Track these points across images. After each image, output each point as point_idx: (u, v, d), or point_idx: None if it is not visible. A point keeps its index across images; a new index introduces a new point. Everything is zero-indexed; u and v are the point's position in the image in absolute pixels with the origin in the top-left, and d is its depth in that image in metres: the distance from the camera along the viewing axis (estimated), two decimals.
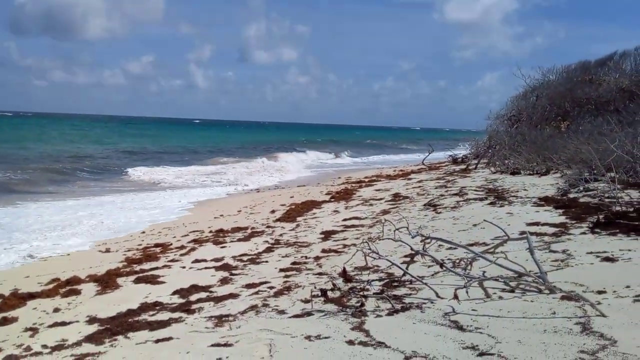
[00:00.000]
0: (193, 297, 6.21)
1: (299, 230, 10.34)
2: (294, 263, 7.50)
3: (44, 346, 4.96)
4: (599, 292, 4.39)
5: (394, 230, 7.53)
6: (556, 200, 9.39)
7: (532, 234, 6.74)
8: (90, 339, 4.99)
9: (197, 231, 11.30)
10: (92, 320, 5.71)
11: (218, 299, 5.98)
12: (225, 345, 4.21)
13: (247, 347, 4.08)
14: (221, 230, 10.99)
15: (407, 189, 15.32)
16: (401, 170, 24.61)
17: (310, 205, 13.71)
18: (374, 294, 5.16)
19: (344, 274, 5.95)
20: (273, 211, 13.38)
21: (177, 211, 14.89)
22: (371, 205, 12.77)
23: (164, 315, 5.55)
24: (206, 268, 7.82)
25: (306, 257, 7.81)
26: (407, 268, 5.74)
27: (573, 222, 7.44)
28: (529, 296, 4.54)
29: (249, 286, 6.41)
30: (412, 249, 5.95)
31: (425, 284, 5.13)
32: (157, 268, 8.09)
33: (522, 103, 24.94)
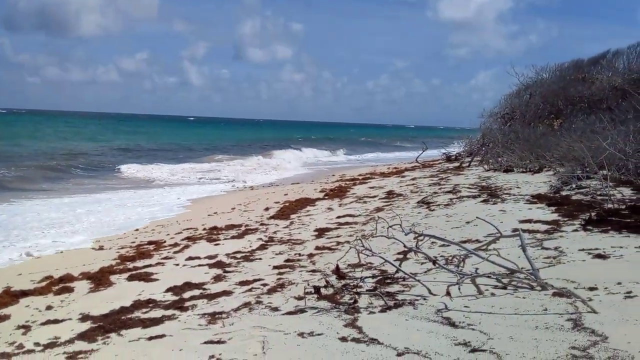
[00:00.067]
0: (186, 295, 6.20)
1: (292, 228, 10.34)
2: (287, 260, 7.50)
3: (37, 344, 4.94)
4: (591, 289, 4.42)
5: (387, 228, 7.55)
6: (549, 197, 9.44)
7: (524, 231, 6.78)
8: (82, 336, 4.98)
9: (191, 229, 11.28)
10: (84, 317, 5.70)
11: (211, 297, 5.98)
12: (219, 342, 4.21)
13: (240, 344, 4.08)
14: (215, 228, 10.98)
15: (400, 186, 15.35)
16: (395, 168, 24.64)
17: (304, 203, 13.72)
18: (367, 290, 5.17)
19: (337, 271, 5.96)
20: (267, 209, 13.37)
21: (176, 208, 14.90)
22: (365, 202, 12.79)
23: (157, 313, 5.54)
24: (200, 265, 7.81)
25: (300, 255, 7.82)
26: (400, 265, 5.75)
27: (565, 219, 7.48)
28: (521, 293, 4.56)
29: (242, 283, 6.41)
30: (405, 246, 5.97)
31: (418, 280, 5.14)
32: (150, 265, 8.07)
33: (516, 101, 25.04)
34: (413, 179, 17.01)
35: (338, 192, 15.43)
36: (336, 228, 9.77)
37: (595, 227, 6.71)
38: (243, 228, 10.82)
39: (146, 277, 7.31)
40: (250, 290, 6.03)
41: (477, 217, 7.52)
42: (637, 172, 9.59)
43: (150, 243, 9.99)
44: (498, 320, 3.95)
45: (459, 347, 3.54)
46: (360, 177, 20.34)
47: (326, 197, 14.63)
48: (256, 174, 26.21)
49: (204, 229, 11.03)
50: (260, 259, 7.89)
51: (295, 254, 7.88)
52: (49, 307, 6.32)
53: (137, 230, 11.67)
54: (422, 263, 6.14)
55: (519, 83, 25.83)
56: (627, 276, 4.62)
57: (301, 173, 27.80)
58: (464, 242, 6.72)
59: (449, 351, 3.48)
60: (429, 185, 14.41)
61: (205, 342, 4.24)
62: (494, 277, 4.87)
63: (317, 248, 8.12)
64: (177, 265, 8.05)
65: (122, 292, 6.68)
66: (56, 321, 5.71)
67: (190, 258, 8.31)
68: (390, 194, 13.57)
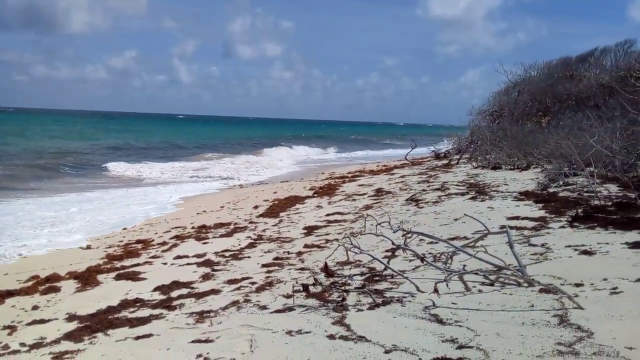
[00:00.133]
0: (174, 294, 6.17)
1: (281, 226, 10.33)
2: (276, 258, 7.48)
3: (22, 344, 4.90)
4: (577, 285, 4.45)
5: (376, 225, 7.56)
6: (536, 194, 9.49)
7: (512, 228, 6.83)
8: (69, 336, 4.94)
9: (180, 227, 11.22)
10: (71, 317, 5.65)
11: (199, 295, 5.95)
12: (206, 341, 4.19)
13: (228, 343, 4.07)
14: (204, 226, 10.93)
15: (389, 184, 15.37)
16: (384, 166, 24.68)
17: (293, 201, 13.70)
18: (355, 288, 5.17)
19: (325, 269, 5.95)
20: (256, 207, 13.34)
21: (170, 207, 14.82)
22: (354, 200, 12.79)
23: (144, 312, 5.51)
24: (188, 264, 7.77)
25: (289, 253, 7.81)
26: (388, 262, 5.77)
27: (552, 216, 7.53)
28: (508, 289, 4.58)
29: (230, 282, 6.39)
30: (393, 243, 5.98)
31: (406, 278, 5.15)
32: (138, 264, 8.02)
33: (504, 99, 25.16)
34: (402, 177, 17.04)
35: (327, 190, 15.43)
36: (325, 226, 9.76)
37: (582, 223, 6.76)
38: (232, 226, 10.78)
39: (134, 276, 7.27)
40: (238, 288, 6.01)
41: (465, 214, 7.53)
42: (624, 169, 9.67)
43: (138, 242, 9.93)
44: (485, 317, 3.96)
45: (446, 343, 3.55)
46: (350, 175, 20.35)
47: (315, 195, 14.62)
48: (247, 171, 26.15)
49: (193, 228, 10.98)
50: (249, 257, 7.87)
51: (284, 252, 7.87)
52: (35, 307, 6.26)
53: (125, 229, 11.59)
54: (411, 260, 6.15)
55: (507, 81, 25.99)
56: (613, 272, 4.66)
57: (291, 171, 27.76)
58: (452, 239, 6.73)
59: (436, 348, 3.49)
60: (418, 183, 14.44)
61: (193, 341, 4.22)
62: (482, 274, 4.89)
63: (306, 246, 8.11)
64: (165, 264, 8.00)
65: (110, 292, 6.63)
66: (42, 321, 5.66)
67: (179, 257, 8.27)
68: (379, 192, 13.59)
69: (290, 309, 4.83)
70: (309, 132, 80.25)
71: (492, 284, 4.80)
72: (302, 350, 3.74)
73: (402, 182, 15.45)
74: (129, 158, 31.13)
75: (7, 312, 6.15)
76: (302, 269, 6.65)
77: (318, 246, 8.02)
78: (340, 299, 4.86)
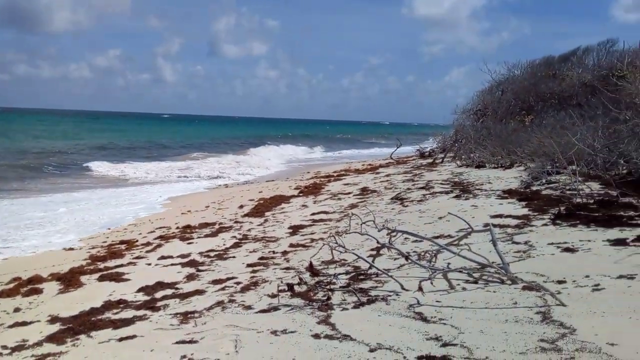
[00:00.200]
0: (158, 294, 6.13)
1: (267, 225, 10.30)
2: (261, 258, 7.46)
3: (4, 347, 4.83)
4: (559, 282, 4.49)
5: (361, 224, 7.57)
6: (519, 192, 9.57)
7: (495, 226, 6.88)
8: (51, 338, 4.88)
9: (164, 227, 11.15)
10: (53, 319, 5.59)
11: (184, 296, 5.91)
12: (191, 342, 4.17)
13: (213, 344, 4.05)
14: (188, 226, 10.87)
15: (375, 183, 15.41)
16: (370, 165, 24.73)
17: (278, 200, 13.68)
18: (340, 287, 5.18)
19: (310, 268, 5.95)
20: (241, 206, 13.29)
21: (159, 207, 14.72)
22: (339, 199, 12.80)
23: (128, 313, 5.47)
24: (172, 265, 7.72)
25: (274, 252, 7.79)
26: (373, 261, 5.78)
27: (535, 214, 7.60)
28: (491, 287, 4.61)
29: (215, 282, 6.35)
30: (378, 242, 6.00)
31: (391, 276, 5.17)
32: (122, 265, 7.95)
33: (488, 97, 25.33)
34: (387, 176, 17.08)
35: (313, 189, 15.42)
36: (310, 225, 9.76)
37: (565, 221, 6.82)
38: (217, 226, 10.73)
39: (117, 277, 7.20)
40: (223, 289, 5.99)
41: (449, 213, 7.58)
42: (606, 167, 9.78)
43: (122, 242, 9.84)
44: (469, 315, 3.99)
45: (430, 341, 3.56)
46: (335, 174, 20.35)
47: (301, 195, 14.61)
48: (234, 171, 26.09)
49: (178, 228, 10.91)
50: (234, 257, 7.84)
51: (270, 252, 7.84)
52: (16, 310, 6.18)
53: (109, 229, 11.49)
54: (395, 259, 6.17)
55: (491, 80, 26.15)
56: (595, 269, 4.72)
57: (278, 170, 27.75)
58: (437, 237, 6.77)
59: (420, 346, 3.50)
60: (403, 182, 14.49)
61: (177, 342, 4.20)
62: (466, 271, 4.92)
63: (292, 245, 8.10)
64: (149, 264, 7.94)
65: (93, 293, 6.57)
66: (24, 323, 5.60)
67: (163, 257, 8.21)
68: (364, 191, 13.61)
69: (275, 308, 4.82)
70: (295, 132, 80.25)
71: (476, 282, 4.83)
72: (287, 349, 3.73)
73: (387, 181, 15.48)
74: (113, 158, 30.86)
75: None
76: (288, 268, 6.64)
77: (303, 245, 8.01)
78: (325, 298, 4.86)
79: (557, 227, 6.63)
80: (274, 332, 4.09)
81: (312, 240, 8.33)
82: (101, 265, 8.11)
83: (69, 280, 7.24)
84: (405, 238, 7.03)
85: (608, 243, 5.57)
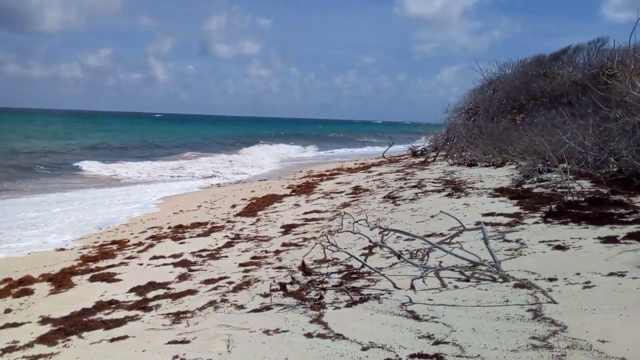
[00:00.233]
0: (150, 295, 6.10)
1: (259, 225, 10.29)
2: (253, 257, 7.45)
3: None
4: (550, 280, 4.52)
5: (353, 223, 7.58)
6: (511, 191, 9.61)
7: (487, 224, 6.90)
8: (42, 339, 4.85)
9: (156, 227, 11.11)
10: (45, 320, 5.55)
11: (176, 296, 5.90)
12: (183, 342, 4.16)
13: (205, 344, 4.04)
14: (180, 226, 10.83)
15: (367, 181, 15.43)
16: (362, 164, 24.76)
17: (271, 199, 13.66)
18: (332, 286, 5.18)
19: (303, 268, 5.94)
20: (234, 206, 13.27)
21: (152, 207, 14.65)
22: (332, 198, 12.80)
23: (119, 314, 5.44)
24: (164, 265, 7.69)
25: (266, 251, 7.78)
26: (365, 260, 5.79)
27: (527, 212, 7.63)
28: (483, 285, 4.63)
29: (207, 282, 6.34)
30: (370, 241, 6.01)
31: (383, 275, 5.17)
32: (113, 266, 7.91)
33: (480, 96, 25.42)
34: (379, 174, 17.11)
35: (305, 188, 15.42)
36: (303, 224, 9.75)
37: (556, 219, 6.86)
38: (209, 226, 10.71)
39: (109, 278, 7.17)
40: (215, 288, 5.97)
41: (441, 211, 7.60)
42: (596, 165, 9.84)
43: (113, 243, 9.80)
44: (461, 313, 4.00)
45: (422, 340, 3.57)
46: (328, 173, 20.36)
47: (293, 194, 14.60)
48: (227, 170, 26.06)
49: (170, 228, 10.87)
50: (226, 256, 7.82)
51: (262, 251, 7.84)
52: (7, 310, 6.14)
53: (101, 229, 11.44)
54: (388, 257, 6.18)
55: (482, 79, 26.25)
56: (586, 267, 4.74)
57: (271, 169, 27.71)
58: (429, 236, 6.79)
59: (412, 344, 3.51)
60: (395, 180, 14.52)
61: (169, 342, 4.18)
62: (457, 270, 4.93)
63: (284, 244, 8.09)
64: (141, 264, 7.91)
65: (84, 294, 6.53)
66: (15, 324, 5.55)
67: (155, 257, 8.18)
68: (356, 189, 13.63)
69: (268, 308, 4.82)
70: (287, 131, 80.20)
71: (467, 280, 4.84)
72: (279, 349, 3.72)
73: (379, 179, 15.51)
74: (105, 158, 30.69)
75: None
76: (280, 267, 6.64)
77: (296, 245, 8.01)
78: (317, 297, 4.86)
79: (548, 225, 6.66)
80: (267, 332, 4.09)
81: (305, 239, 8.32)
82: (93, 265, 8.07)
83: (60, 280, 7.20)
84: (398, 237, 7.04)
85: (599, 240, 5.60)
